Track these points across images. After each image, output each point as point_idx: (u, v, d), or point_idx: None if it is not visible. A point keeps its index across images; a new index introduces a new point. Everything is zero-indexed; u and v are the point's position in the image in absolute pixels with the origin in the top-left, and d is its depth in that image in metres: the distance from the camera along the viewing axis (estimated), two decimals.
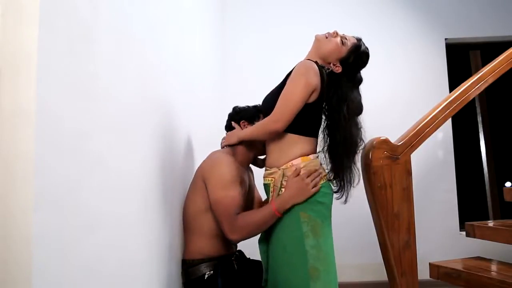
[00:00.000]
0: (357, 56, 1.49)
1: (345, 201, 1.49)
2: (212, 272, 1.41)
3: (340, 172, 1.47)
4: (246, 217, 1.38)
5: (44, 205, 0.65)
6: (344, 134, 1.44)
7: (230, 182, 1.40)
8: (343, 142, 1.44)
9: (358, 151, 1.51)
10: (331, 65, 1.48)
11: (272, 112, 1.38)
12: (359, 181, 1.53)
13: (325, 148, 1.52)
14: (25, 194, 0.62)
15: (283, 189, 1.40)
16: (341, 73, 1.49)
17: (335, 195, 1.49)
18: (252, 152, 1.59)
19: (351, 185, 1.49)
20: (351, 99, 1.46)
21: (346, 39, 1.49)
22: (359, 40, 1.52)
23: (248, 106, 1.64)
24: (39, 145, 0.64)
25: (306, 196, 1.35)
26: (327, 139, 1.51)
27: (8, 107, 0.63)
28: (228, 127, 1.64)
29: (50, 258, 0.67)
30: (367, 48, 1.53)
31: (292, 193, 1.35)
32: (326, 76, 1.44)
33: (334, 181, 1.50)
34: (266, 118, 1.41)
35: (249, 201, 1.63)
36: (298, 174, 1.37)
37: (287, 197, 1.36)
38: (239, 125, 1.59)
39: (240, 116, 1.60)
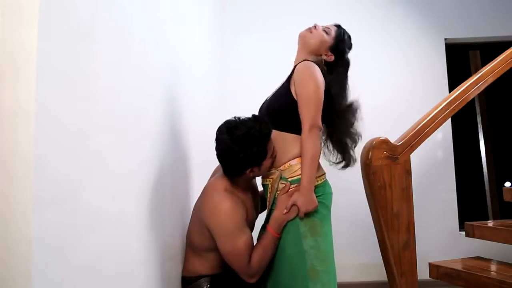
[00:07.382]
0: (343, 41, 1.55)
1: (347, 166, 1.56)
2: (209, 285, 1.42)
3: (340, 140, 1.52)
4: (256, 256, 1.36)
5: (44, 205, 0.65)
6: (342, 115, 1.51)
7: (235, 229, 1.35)
8: (342, 119, 1.50)
9: (357, 119, 1.55)
10: (323, 56, 1.52)
11: (303, 122, 1.36)
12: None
13: (325, 137, 1.56)
14: (24, 194, 0.62)
15: (278, 192, 1.40)
16: (334, 62, 1.54)
17: (338, 166, 1.54)
18: (253, 178, 1.53)
19: (349, 148, 1.54)
20: (347, 85, 1.54)
21: (328, 28, 1.55)
22: (338, 26, 1.58)
23: (246, 134, 1.32)
24: (38, 145, 0.64)
25: (296, 212, 1.35)
26: (325, 130, 1.55)
27: (8, 107, 0.63)
28: (235, 170, 1.40)
29: (50, 258, 0.67)
30: (346, 31, 1.59)
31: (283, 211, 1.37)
32: (325, 73, 1.48)
33: (336, 154, 1.54)
34: (303, 135, 1.35)
35: (256, 206, 1.61)
36: (287, 191, 1.38)
37: (279, 216, 1.37)
38: (245, 171, 1.38)
39: (248, 160, 1.35)
